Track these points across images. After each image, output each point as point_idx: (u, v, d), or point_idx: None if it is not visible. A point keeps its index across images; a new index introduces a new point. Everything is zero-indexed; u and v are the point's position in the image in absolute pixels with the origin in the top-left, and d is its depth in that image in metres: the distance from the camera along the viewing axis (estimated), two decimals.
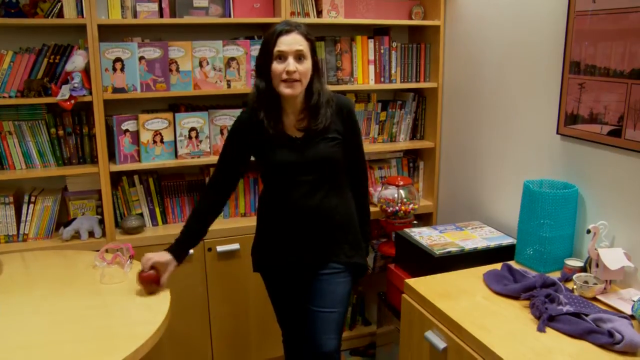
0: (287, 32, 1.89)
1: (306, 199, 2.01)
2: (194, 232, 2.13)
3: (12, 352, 1.60)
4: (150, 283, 1.95)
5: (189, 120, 2.65)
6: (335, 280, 2.06)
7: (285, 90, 1.91)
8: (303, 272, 2.10)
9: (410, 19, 2.96)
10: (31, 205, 2.53)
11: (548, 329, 1.65)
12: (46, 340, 1.66)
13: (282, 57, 1.89)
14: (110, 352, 1.59)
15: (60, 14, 2.39)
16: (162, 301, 1.91)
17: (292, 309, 2.23)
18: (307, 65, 1.92)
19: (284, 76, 1.89)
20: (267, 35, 1.96)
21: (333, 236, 2.07)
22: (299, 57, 1.90)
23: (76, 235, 2.55)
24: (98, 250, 2.20)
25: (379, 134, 3.05)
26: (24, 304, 1.88)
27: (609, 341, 1.55)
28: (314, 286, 2.07)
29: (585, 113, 2.04)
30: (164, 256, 2.03)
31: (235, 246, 2.69)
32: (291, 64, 1.88)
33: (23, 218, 2.53)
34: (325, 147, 2.01)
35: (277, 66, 1.90)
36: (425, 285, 1.98)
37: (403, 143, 3.12)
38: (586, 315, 1.67)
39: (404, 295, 2.02)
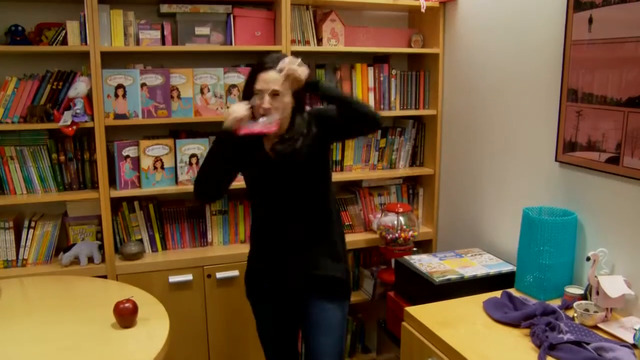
0: (266, 69, 1.97)
1: (285, 222, 2.08)
2: None
3: None
4: (126, 316, 1.89)
5: (190, 146, 2.66)
6: (327, 306, 2.08)
7: None
8: (292, 300, 2.13)
9: (410, 46, 3.00)
10: (31, 230, 2.53)
11: (549, 358, 1.63)
12: None
13: (260, 93, 1.97)
14: None
15: (64, 41, 2.42)
16: (161, 329, 1.90)
17: (281, 337, 2.24)
18: (284, 100, 1.97)
19: (261, 111, 1.96)
20: (252, 67, 2.04)
21: (313, 253, 2.10)
22: (274, 94, 1.96)
23: (75, 261, 2.55)
24: (97, 277, 2.18)
25: (378, 161, 3.06)
26: (22, 331, 1.87)
27: None
28: (306, 316, 2.09)
29: (583, 140, 2.06)
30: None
31: (234, 273, 2.69)
32: (265, 101, 1.94)
33: (23, 243, 2.53)
34: (305, 153, 2.04)
35: (256, 100, 1.97)
36: (425, 313, 1.97)
37: (402, 170, 3.13)
38: (587, 343, 1.66)
39: (403, 323, 2.01)
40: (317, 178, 2.11)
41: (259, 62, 2.01)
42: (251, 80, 2.00)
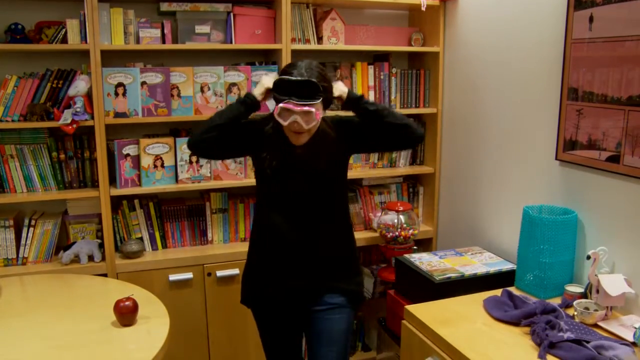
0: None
1: (298, 224, 2.00)
2: None
3: None
4: (127, 314, 1.89)
5: None
6: (331, 316, 2.03)
7: (291, 138, 1.92)
8: (296, 307, 2.07)
9: (410, 45, 3.00)
10: (31, 229, 2.53)
11: (549, 356, 1.63)
12: None
13: (287, 112, 1.82)
14: None
15: (64, 40, 2.42)
16: (161, 327, 1.90)
17: (284, 346, 2.18)
18: (316, 115, 1.84)
19: (291, 127, 1.85)
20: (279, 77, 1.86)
21: (328, 266, 2.05)
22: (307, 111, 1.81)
23: (76, 259, 2.55)
24: (97, 275, 2.18)
25: (378, 159, 3.06)
26: (22, 329, 1.87)
27: None
28: (310, 325, 2.05)
29: (583, 139, 2.06)
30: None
31: (234, 271, 2.69)
32: (298, 120, 1.81)
33: (23, 241, 2.53)
34: (325, 160, 1.98)
35: (284, 118, 1.83)
36: (425, 311, 1.97)
37: (403, 168, 3.13)
38: (587, 342, 1.66)
39: (403, 321, 2.01)
40: (336, 186, 2.07)
41: (283, 71, 1.88)
42: (277, 87, 1.82)
